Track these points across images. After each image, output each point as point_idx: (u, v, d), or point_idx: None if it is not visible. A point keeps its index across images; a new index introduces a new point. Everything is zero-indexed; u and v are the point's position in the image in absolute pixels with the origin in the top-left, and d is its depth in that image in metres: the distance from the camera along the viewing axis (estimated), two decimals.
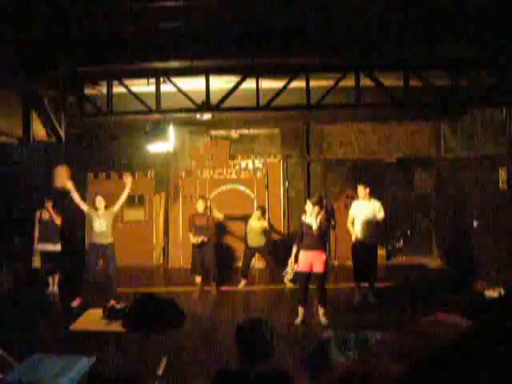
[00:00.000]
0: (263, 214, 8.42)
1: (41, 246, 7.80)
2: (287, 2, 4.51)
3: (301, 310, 6.23)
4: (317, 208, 6.12)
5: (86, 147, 10.10)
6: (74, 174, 10.07)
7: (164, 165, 10.24)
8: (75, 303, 7.05)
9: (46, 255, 7.78)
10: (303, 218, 6.25)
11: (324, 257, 6.10)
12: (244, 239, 8.70)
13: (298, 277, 6.39)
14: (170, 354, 5.01)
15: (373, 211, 6.97)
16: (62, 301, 7.38)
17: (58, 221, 7.77)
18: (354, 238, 7.11)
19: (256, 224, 8.18)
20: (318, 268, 6.08)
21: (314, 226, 6.06)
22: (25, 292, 7.78)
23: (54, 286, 7.76)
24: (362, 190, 7.04)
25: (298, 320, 6.22)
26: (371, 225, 6.96)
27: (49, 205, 7.78)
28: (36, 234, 7.87)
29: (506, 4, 4.52)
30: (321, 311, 6.23)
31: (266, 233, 8.35)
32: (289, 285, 7.81)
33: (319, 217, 6.10)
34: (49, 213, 7.73)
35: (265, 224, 8.33)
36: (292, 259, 6.44)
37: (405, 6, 4.54)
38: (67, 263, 8.19)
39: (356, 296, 7.03)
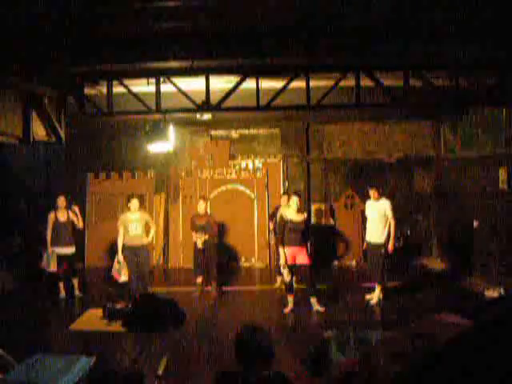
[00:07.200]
0: (290, 198, 7.85)
1: (59, 250, 7.34)
2: (287, 2, 4.51)
3: (290, 299, 6.51)
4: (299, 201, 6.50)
5: (85, 147, 10.11)
6: (74, 174, 10.16)
7: (164, 165, 10.24)
8: None
9: (62, 258, 7.38)
10: (285, 215, 6.49)
11: (305, 251, 6.43)
12: (274, 232, 8.05)
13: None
14: (170, 354, 5.00)
15: (379, 211, 6.93)
16: (85, 303, 7.14)
17: (80, 223, 7.58)
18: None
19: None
20: (302, 260, 6.37)
21: (300, 219, 6.39)
22: (26, 292, 7.76)
23: (76, 290, 7.49)
24: (373, 193, 7.01)
25: (288, 309, 6.46)
26: (378, 224, 6.92)
27: (62, 202, 7.45)
28: (49, 237, 7.34)
29: (505, 4, 4.52)
30: (313, 300, 6.44)
31: None
32: (279, 285, 7.78)
33: (303, 213, 6.53)
34: (66, 214, 7.46)
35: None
36: (283, 262, 6.42)
37: (405, 6, 4.54)
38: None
39: (373, 296, 6.95)
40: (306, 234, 6.51)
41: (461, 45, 5.10)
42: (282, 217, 6.56)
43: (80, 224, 7.64)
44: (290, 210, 6.49)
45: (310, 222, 6.63)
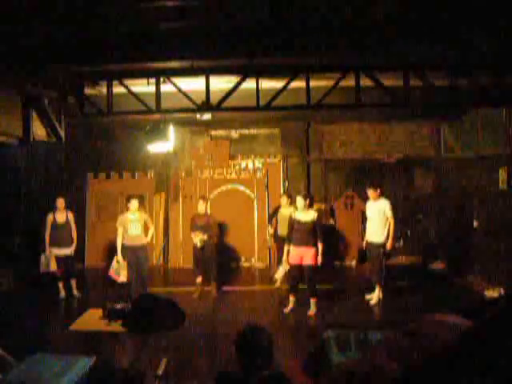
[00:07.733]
0: (289, 198, 7.86)
1: (56, 251, 7.29)
2: (287, 2, 4.51)
3: (291, 299, 6.54)
4: (307, 202, 6.45)
5: (85, 147, 10.10)
6: (74, 174, 10.15)
7: (164, 165, 10.24)
8: None
9: (61, 259, 7.32)
10: (293, 214, 6.52)
11: (313, 251, 6.32)
12: (274, 232, 8.17)
13: (290, 269, 6.63)
14: (170, 354, 5.00)
15: (379, 211, 6.92)
16: (85, 303, 7.12)
17: (73, 225, 7.51)
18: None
19: (287, 211, 7.45)
20: (308, 260, 6.33)
21: (308, 219, 6.35)
22: (26, 292, 7.75)
23: (74, 290, 7.50)
24: (371, 193, 7.00)
25: (288, 309, 6.51)
26: (378, 224, 6.92)
27: (61, 204, 7.40)
28: (47, 238, 7.29)
29: (505, 4, 4.52)
30: (312, 302, 6.44)
31: None
32: (279, 285, 7.75)
33: (311, 212, 6.46)
34: (65, 215, 7.43)
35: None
36: (285, 258, 6.52)
37: (405, 7, 4.54)
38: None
39: (373, 296, 6.95)
40: (316, 234, 6.37)
41: (460, 45, 5.10)
42: (290, 216, 6.59)
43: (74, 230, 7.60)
44: (299, 211, 6.49)
45: (319, 222, 6.55)
